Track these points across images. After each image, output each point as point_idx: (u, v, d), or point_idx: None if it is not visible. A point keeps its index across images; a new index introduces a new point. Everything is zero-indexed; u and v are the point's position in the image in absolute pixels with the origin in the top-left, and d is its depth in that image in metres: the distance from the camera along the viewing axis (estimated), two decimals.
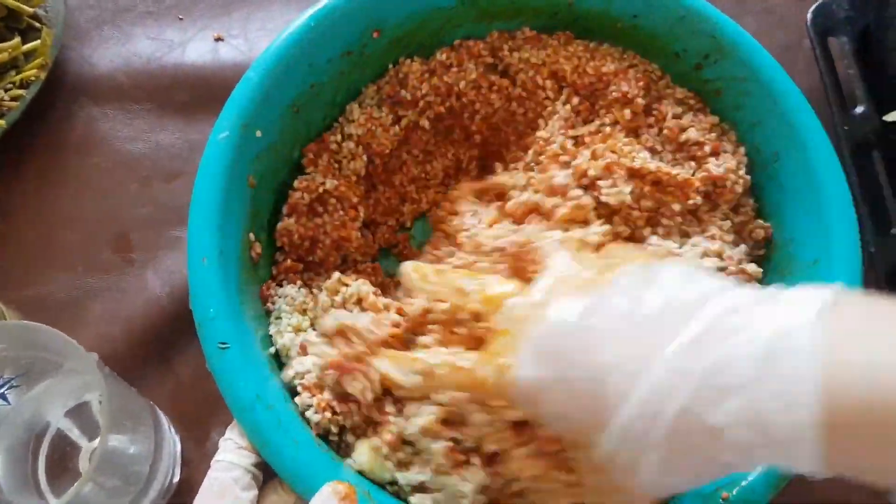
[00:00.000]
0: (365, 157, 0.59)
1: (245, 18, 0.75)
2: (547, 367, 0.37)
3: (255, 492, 0.46)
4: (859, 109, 0.68)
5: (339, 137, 0.59)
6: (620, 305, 0.37)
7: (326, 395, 0.47)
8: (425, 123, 0.61)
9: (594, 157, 0.54)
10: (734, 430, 0.32)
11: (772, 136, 0.57)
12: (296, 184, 0.56)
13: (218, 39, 0.73)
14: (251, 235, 0.53)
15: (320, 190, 0.56)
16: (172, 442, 0.56)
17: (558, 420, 0.39)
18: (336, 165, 0.58)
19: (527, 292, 0.41)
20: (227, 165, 0.50)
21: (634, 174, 0.54)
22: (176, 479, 0.56)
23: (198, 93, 0.71)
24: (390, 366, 0.44)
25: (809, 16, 0.72)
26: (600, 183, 0.53)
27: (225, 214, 0.50)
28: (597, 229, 0.51)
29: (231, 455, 0.46)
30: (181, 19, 0.74)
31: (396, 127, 0.60)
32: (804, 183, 0.55)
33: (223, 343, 0.45)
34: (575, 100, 0.59)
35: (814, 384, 0.30)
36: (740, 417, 0.32)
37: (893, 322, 0.32)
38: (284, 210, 0.56)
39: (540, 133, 0.59)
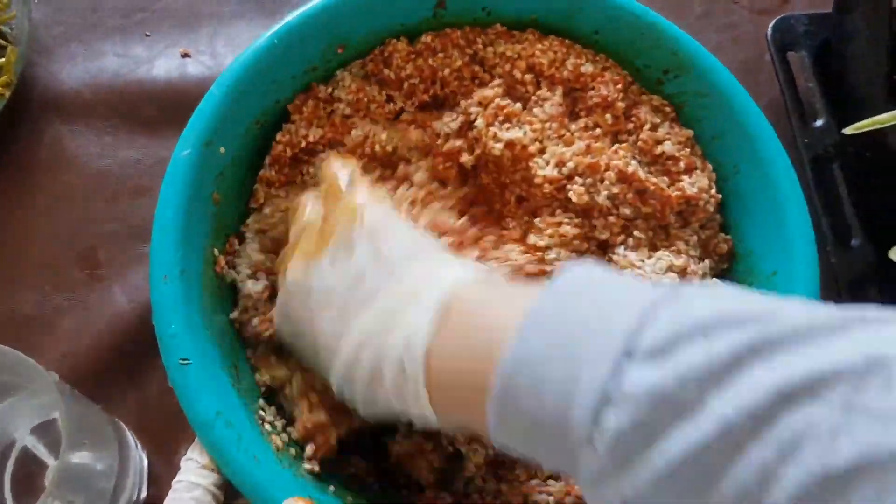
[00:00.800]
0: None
1: (212, 35, 0.75)
2: (288, 326, 0.48)
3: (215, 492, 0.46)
4: (819, 122, 0.70)
5: (329, 91, 0.59)
6: (331, 273, 0.45)
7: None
8: (411, 111, 0.61)
9: (588, 151, 0.55)
10: (391, 378, 0.40)
11: (732, 150, 0.58)
12: (278, 136, 0.57)
13: (185, 56, 0.73)
14: (215, 251, 0.53)
15: (303, 144, 0.57)
16: (139, 458, 0.56)
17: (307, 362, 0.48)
18: (323, 112, 0.59)
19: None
20: (189, 183, 0.51)
21: (624, 178, 0.55)
22: (143, 495, 0.56)
23: (165, 109, 0.71)
24: None
25: (769, 31, 0.73)
26: (577, 178, 0.54)
27: (187, 232, 0.50)
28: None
29: (192, 475, 0.47)
30: (148, 35, 0.75)
31: (391, 104, 0.60)
32: (763, 196, 0.56)
33: (184, 359, 0.46)
34: (558, 91, 0.59)
35: (430, 311, 0.39)
36: (392, 371, 0.40)
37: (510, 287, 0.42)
38: (266, 161, 0.57)
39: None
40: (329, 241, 0.45)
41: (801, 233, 0.54)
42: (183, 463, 0.48)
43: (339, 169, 0.49)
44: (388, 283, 0.42)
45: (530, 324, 0.34)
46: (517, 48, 0.60)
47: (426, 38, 0.61)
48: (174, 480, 0.47)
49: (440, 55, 0.61)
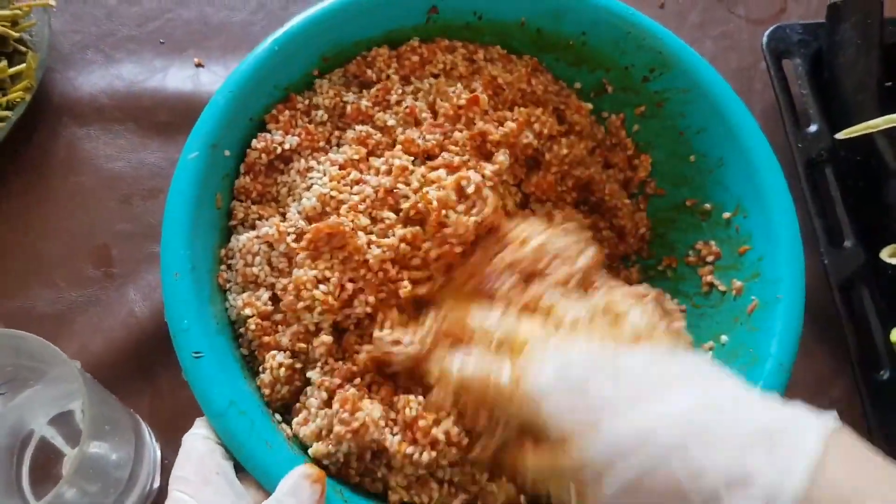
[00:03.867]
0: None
1: (223, 45, 0.77)
2: (562, 380, 0.43)
3: (231, 463, 0.47)
4: (812, 128, 0.71)
5: (307, 101, 0.60)
6: (642, 363, 0.43)
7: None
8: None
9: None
10: (717, 480, 0.37)
11: (716, 143, 0.60)
12: (253, 143, 0.57)
13: (198, 65, 0.75)
14: (223, 251, 0.55)
15: (279, 150, 0.57)
16: (152, 449, 0.58)
17: (555, 414, 0.43)
18: (301, 121, 0.59)
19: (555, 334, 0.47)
20: (196, 183, 0.52)
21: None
22: (156, 485, 0.57)
23: (178, 114, 0.73)
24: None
25: (765, 39, 0.75)
26: None
27: (195, 230, 0.52)
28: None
29: (207, 431, 0.47)
30: (162, 43, 0.77)
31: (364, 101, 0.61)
32: (748, 186, 0.58)
33: (197, 352, 0.47)
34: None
35: (804, 471, 0.35)
36: (728, 471, 0.36)
37: (873, 462, 0.37)
38: (241, 168, 0.57)
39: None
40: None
41: (785, 218, 0.55)
42: (197, 421, 0.48)
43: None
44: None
45: None
46: (510, 77, 0.62)
47: (413, 42, 0.63)
48: (187, 434, 0.48)
49: (425, 57, 0.63)
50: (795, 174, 0.68)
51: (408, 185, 0.54)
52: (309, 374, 0.51)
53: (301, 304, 0.51)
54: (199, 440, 0.47)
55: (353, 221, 0.52)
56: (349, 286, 0.51)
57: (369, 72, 0.61)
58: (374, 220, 0.53)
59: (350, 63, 0.62)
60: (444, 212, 0.52)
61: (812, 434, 0.37)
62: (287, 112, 0.59)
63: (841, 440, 0.37)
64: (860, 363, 0.63)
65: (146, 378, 0.62)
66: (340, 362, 0.51)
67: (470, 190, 0.53)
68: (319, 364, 0.51)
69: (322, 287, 0.51)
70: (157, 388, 0.62)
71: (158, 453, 0.59)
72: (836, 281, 0.65)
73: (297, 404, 0.52)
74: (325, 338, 0.51)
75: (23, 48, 0.71)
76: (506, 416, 0.46)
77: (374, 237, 0.52)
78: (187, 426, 0.57)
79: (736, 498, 0.36)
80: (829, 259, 0.66)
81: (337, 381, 0.50)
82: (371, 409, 0.48)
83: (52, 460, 0.57)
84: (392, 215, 0.53)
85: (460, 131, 0.58)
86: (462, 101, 0.58)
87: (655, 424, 0.39)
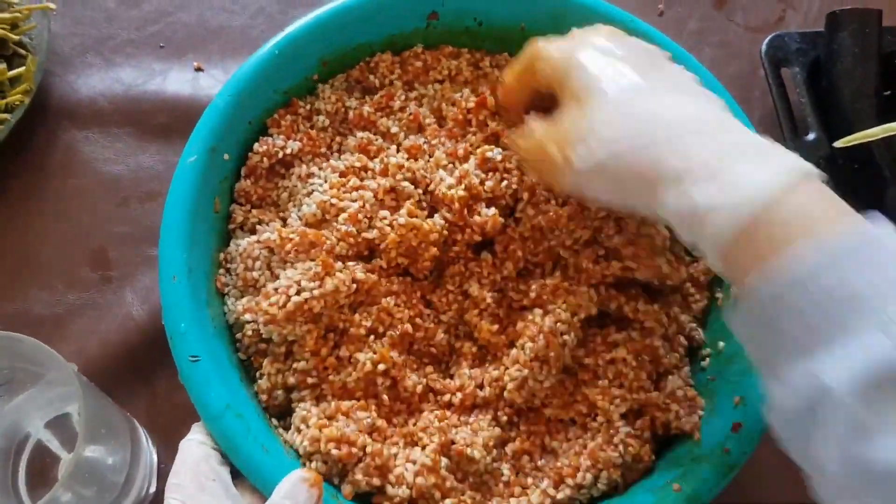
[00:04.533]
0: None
1: (223, 49, 0.77)
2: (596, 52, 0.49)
3: (228, 468, 0.47)
4: (811, 136, 0.71)
5: (308, 106, 0.61)
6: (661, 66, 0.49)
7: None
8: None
9: None
10: (694, 163, 0.41)
11: None
12: (255, 146, 0.57)
13: (198, 69, 0.75)
14: (221, 255, 0.55)
15: (280, 154, 0.57)
16: (148, 453, 0.57)
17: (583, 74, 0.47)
18: (303, 126, 0.60)
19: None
20: (195, 186, 0.53)
21: None
22: (152, 489, 0.57)
23: (176, 118, 0.73)
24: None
25: (763, 47, 0.75)
26: None
27: (193, 233, 0.52)
28: None
29: (203, 436, 0.47)
30: (162, 47, 0.77)
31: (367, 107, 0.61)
32: None
33: (194, 356, 0.47)
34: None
35: (778, 180, 0.39)
36: (707, 156, 0.41)
37: (831, 201, 0.40)
38: (242, 172, 0.58)
39: None
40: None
41: None
42: (194, 426, 0.48)
43: None
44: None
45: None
46: None
47: (417, 49, 0.63)
48: (183, 440, 0.48)
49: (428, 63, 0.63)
50: None
51: (413, 178, 0.55)
52: (293, 396, 0.52)
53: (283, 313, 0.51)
54: (195, 446, 0.47)
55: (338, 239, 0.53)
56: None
57: (372, 77, 0.62)
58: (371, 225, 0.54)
59: (353, 69, 0.63)
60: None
61: (787, 158, 0.41)
62: (289, 117, 0.59)
63: (814, 176, 0.41)
64: None
65: (143, 381, 0.62)
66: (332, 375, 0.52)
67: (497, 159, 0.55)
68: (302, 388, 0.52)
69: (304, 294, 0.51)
70: (154, 392, 0.62)
71: (155, 457, 0.59)
72: None
73: (291, 417, 0.52)
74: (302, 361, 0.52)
75: (22, 51, 0.71)
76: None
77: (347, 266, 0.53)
78: (184, 430, 0.56)
79: (702, 189, 0.40)
80: None
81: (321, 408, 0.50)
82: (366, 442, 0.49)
83: (48, 463, 0.57)
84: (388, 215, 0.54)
85: (473, 134, 0.58)
86: (471, 104, 0.59)
87: (641, 117, 0.44)
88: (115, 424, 0.53)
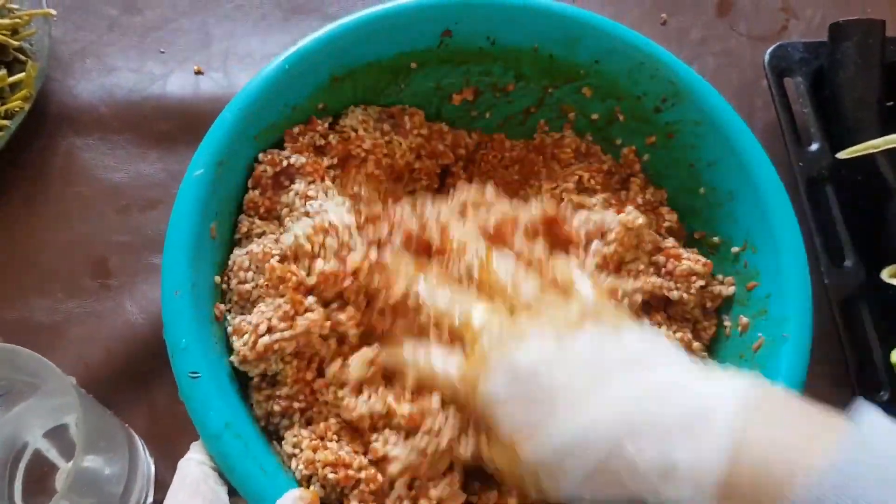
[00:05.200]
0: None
1: (225, 53, 0.77)
2: (509, 388, 0.44)
3: (225, 488, 0.47)
4: (814, 147, 0.71)
5: (325, 124, 0.61)
6: (585, 351, 0.44)
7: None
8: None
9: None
10: (646, 466, 0.39)
11: (727, 176, 0.59)
12: (260, 156, 0.57)
13: (198, 73, 0.75)
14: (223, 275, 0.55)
15: (284, 164, 0.57)
16: (147, 464, 0.57)
17: (501, 419, 0.45)
18: (317, 143, 0.60)
19: (507, 322, 0.48)
20: (201, 201, 0.52)
21: None
22: (150, 500, 0.57)
23: (178, 123, 0.72)
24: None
25: (766, 57, 0.74)
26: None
27: (198, 249, 0.51)
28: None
29: (202, 456, 0.47)
30: (162, 52, 0.76)
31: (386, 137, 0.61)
32: (757, 221, 0.57)
33: (194, 373, 0.47)
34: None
35: (722, 451, 0.37)
36: (653, 457, 0.39)
37: (798, 419, 0.39)
38: (249, 183, 0.57)
39: None
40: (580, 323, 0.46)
41: (795, 257, 0.55)
42: (193, 445, 0.48)
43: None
44: (643, 373, 0.43)
45: (845, 456, 0.35)
46: None
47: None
48: (182, 459, 0.48)
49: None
50: (796, 192, 0.68)
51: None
52: (282, 423, 0.51)
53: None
54: (193, 465, 0.47)
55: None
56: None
57: (407, 119, 0.62)
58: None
59: (393, 107, 0.63)
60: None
61: (729, 410, 0.39)
62: (308, 135, 0.59)
63: (761, 406, 0.39)
64: (860, 383, 0.63)
65: (142, 391, 0.62)
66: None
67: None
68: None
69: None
70: (153, 402, 0.62)
71: (153, 468, 0.58)
72: (836, 300, 0.65)
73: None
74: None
75: (22, 57, 0.71)
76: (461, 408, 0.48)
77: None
78: (183, 441, 0.56)
79: (667, 488, 0.38)
80: (829, 278, 0.65)
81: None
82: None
83: (46, 473, 0.57)
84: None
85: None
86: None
87: (594, 422, 0.41)
88: (114, 436, 0.53)
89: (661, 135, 0.63)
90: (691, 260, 0.58)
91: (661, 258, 0.59)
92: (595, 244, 0.57)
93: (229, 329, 0.52)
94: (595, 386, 0.42)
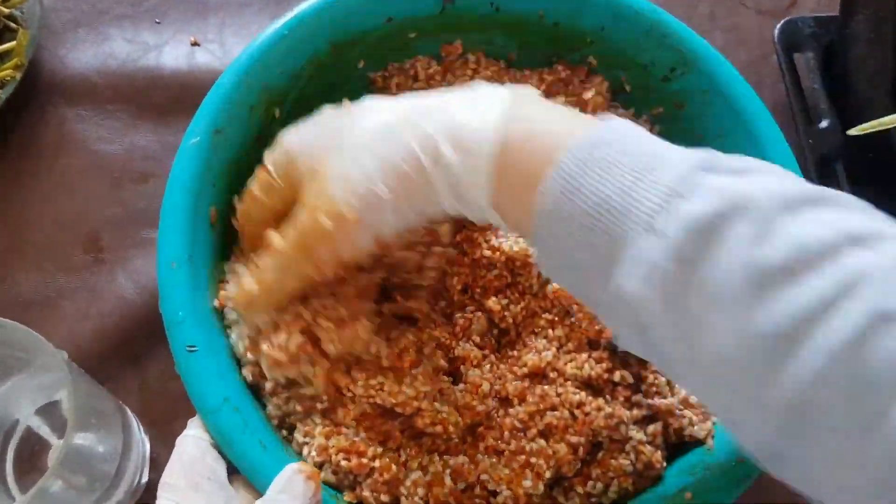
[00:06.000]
0: None
1: (221, 24, 0.75)
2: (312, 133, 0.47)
3: (224, 464, 0.46)
4: (824, 123, 0.70)
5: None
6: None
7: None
8: None
9: None
10: (438, 138, 0.41)
11: (736, 148, 0.57)
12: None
13: (194, 44, 0.74)
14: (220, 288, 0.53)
15: None
16: (141, 442, 0.56)
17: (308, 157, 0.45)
18: None
19: None
20: (197, 170, 0.51)
21: None
22: (145, 479, 0.56)
23: (172, 95, 0.71)
24: None
25: (776, 32, 0.73)
26: None
27: (195, 219, 0.50)
28: None
29: (199, 431, 0.46)
30: (158, 23, 0.75)
31: None
32: None
33: (191, 346, 0.46)
34: None
35: (493, 122, 0.40)
36: (444, 128, 0.41)
37: (558, 109, 0.41)
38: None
39: None
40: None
41: None
42: (190, 422, 0.47)
43: None
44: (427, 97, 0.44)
45: (599, 131, 0.38)
46: None
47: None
48: (180, 436, 0.47)
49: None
50: (805, 170, 0.67)
51: None
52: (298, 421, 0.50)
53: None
54: (190, 442, 0.46)
55: None
56: None
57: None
58: None
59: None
60: None
61: (500, 96, 0.41)
62: None
63: (526, 98, 0.42)
64: None
65: (136, 368, 0.61)
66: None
67: None
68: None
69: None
70: (148, 379, 0.61)
71: (147, 447, 0.57)
72: None
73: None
74: None
75: (13, 25, 0.69)
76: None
77: None
78: (179, 419, 0.55)
79: (448, 149, 0.40)
80: None
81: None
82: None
83: (38, 451, 0.56)
84: None
85: None
86: None
87: (389, 113, 0.43)
88: (106, 413, 0.52)
89: (668, 105, 0.62)
90: None
91: None
92: None
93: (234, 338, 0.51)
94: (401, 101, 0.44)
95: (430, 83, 0.62)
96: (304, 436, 0.48)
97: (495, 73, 0.62)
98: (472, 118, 0.40)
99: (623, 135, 0.37)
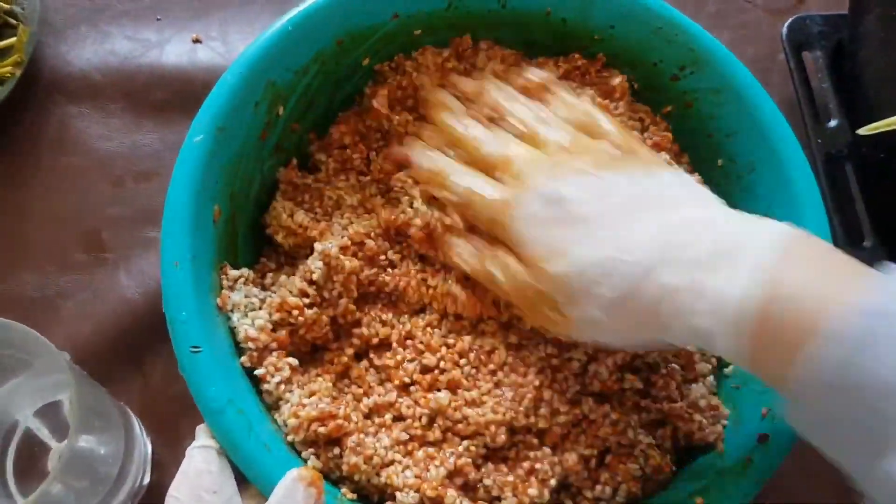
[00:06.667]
0: None
1: (223, 20, 0.74)
2: (544, 212, 0.45)
3: (233, 479, 0.45)
4: (832, 123, 0.69)
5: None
6: (623, 184, 0.45)
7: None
8: None
9: None
10: (679, 293, 0.40)
11: (747, 148, 0.57)
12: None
13: (196, 41, 0.73)
14: (221, 280, 0.52)
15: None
16: (143, 444, 0.56)
17: (534, 238, 0.46)
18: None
19: (545, 157, 0.49)
20: (201, 168, 0.50)
21: None
22: (146, 481, 0.56)
23: (174, 93, 0.70)
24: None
25: (784, 30, 0.73)
26: None
27: (198, 218, 0.49)
28: None
29: (207, 440, 0.46)
30: (159, 20, 0.74)
31: None
32: (779, 194, 0.55)
33: (195, 347, 0.45)
34: None
35: (753, 283, 0.37)
36: (687, 283, 0.39)
37: (831, 262, 0.39)
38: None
39: None
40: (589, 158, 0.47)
41: (817, 231, 0.53)
42: (198, 429, 0.47)
43: None
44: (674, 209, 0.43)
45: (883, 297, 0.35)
46: None
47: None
48: (189, 447, 0.46)
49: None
50: (814, 170, 0.65)
51: None
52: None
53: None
54: (198, 455, 0.45)
55: None
56: None
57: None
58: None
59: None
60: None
61: (764, 244, 0.39)
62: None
63: (795, 246, 0.39)
64: None
65: (138, 368, 0.60)
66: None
67: None
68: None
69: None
70: (150, 380, 0.60)
71: (149, 448, 0.57)
72: None
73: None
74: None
75: (13, 21, 0.68)
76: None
77: None
78: (181, 420, 0.55)
79: (696, 319, 0.39)
80: None
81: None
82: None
83: (37, 453, 0.56)
84: None
85: None
86: None
87: (629, 245, 0.42)
88: (109, 414, 0.52)
89: (678, 104, 0.61)
90: None
91: None
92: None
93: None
94: (632, 216, 0.43)
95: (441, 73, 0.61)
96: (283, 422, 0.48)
97: (513, 60, 0.61)
98: (727, 284, 0.38)
99: None
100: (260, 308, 0.51)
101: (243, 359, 0.49)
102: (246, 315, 0.50)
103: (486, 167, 0.51)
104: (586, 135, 0.50)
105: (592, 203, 0.44)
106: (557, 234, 0.44)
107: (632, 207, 0.44)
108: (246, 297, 0.51)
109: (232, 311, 0.50)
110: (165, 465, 0.57)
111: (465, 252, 0.51)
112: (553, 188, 0.45)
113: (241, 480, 0.45)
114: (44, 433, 0.56)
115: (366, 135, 0.58)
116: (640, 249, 0.41)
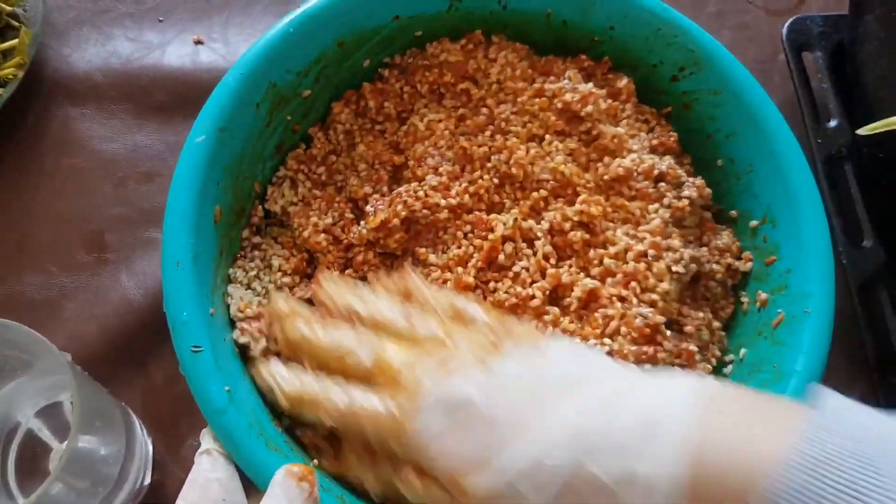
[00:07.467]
0: None
1: (225, 22, 0.75)
2: (446, 421, 0.41)
3: (240, 486, 0.45)
4: (832, 123, 0.69)
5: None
6: (517, 374, 0.42)
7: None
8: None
9: None
10: (610, 487, 0.37)
11: (746, 148, 0.58)
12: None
13: (198, 42, 0.73)
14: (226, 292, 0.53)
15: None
16: (144, 444, 0.56)
17: (446, 452, 0.41)
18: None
19: (424, 356, 0.44)
20: (202, 169, 0.50)
21: None
22: (147, 481, 0.56)
23: (176, 94, 0.71)
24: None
25: (784, 31, 0.73)
26: None
27: (200, 219, 0.50)
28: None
29: (212, 443, 0.46)
30: (161, 21, 0.74)
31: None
32: (779, 194, 0.55)
33: (196, 347, 0.45)
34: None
35: (679, 458, 0.36)
36: (616, 476, 0.37)
37: (753, 412, 0.38)
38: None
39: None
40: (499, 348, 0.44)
41: (817, 230, 0.53)
42: (204, 433, 0.47)
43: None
44: (586, 386, 0.41)
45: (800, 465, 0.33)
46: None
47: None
48: (197, 452, 0.46)
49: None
50: (814, 170, 0.66)
51: None
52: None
53: None
54: (205, 461, 0.45)
55: None
56: None
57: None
58: None
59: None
60: None
61: (683, 409, 0.38)
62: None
63: (713, 405, 0.38)
64: (878, 367, 0.61)
65: (139, 369, 0.60)
66: None
67: None
68: None
69: None
70: (151, 380, 0.60)
71: (150, 448, 0.57)
72: (854, 281, 0.63)
73: None
74: None
75: (15, 23, 0.69)
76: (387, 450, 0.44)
77: None
78: (182, 420, 0.55)
79: (630, 497, 0.37)
80: (847, 259, 0.64)
81: None
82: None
83: (38, 454, 0.55)
84: None
85: None
86: None
87: (549, 445, 0.39)
88: (110, 415, 0.51)
89: (677, 105, 0.61)
90: (725, 235, 0.57)
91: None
92: (669, 197, 0.56)
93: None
94: (539, 408, 0.40)
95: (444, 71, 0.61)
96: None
97: (523, 56, 0.61)
98: (654, 468, 0.37)
99: (840, 437, 0.34)
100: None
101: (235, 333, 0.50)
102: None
103: (362, 376, 0.45)
104: (457, 322, 0.48)
105: (496, 399, 0.41)
106: (472, 442, 0.41)
107: (535, 397, 0.41)
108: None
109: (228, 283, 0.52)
110: (166, 466, 0.57)
111: (368, 481, 0.46)
112: (447, 391, 0.42)
113: (249, 485, 0.45)
114: (45, 433, 0.56)
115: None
116: (561, 447, 0.39)
